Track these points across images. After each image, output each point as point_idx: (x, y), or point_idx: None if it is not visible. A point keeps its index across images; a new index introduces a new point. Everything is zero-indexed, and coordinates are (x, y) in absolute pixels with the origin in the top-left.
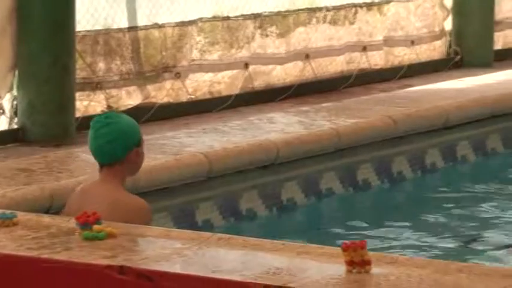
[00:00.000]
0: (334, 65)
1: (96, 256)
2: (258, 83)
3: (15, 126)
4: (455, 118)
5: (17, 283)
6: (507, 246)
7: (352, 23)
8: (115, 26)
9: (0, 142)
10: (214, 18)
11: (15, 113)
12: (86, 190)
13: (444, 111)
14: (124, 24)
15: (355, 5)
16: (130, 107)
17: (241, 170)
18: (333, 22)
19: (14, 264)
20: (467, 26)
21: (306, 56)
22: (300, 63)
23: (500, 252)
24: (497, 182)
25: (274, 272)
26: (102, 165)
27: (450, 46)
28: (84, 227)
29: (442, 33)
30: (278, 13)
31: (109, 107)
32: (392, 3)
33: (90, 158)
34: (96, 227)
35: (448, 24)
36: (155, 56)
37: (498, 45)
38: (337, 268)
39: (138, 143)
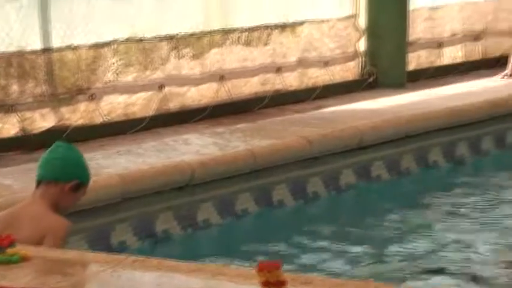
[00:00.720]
0: (249, 86)
1: (8, 280)
2: (173, 105)
3: None
4: (369, 138)
5: None
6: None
7: (266, 44)
8: (29, 48)
9: None
10: (129, 39)
11: None
12: (12, 212)
13: (358, 132)
14: (38, 46)
15: (268, 27)
16: (44, 129)
17: (157, 191)
18: (247, 43)
19: None
20: (380, 47)
21: (221, 77)
22: (214, 85)
23: (415, 270)
24: (411, 201)
25: None
26: (39, 182)
27: (364, 67)
28: None
29: (355, 54)
30: (192, 34)
31: (23, 129)
32: (305, 25)
33: (4, 181)
34: (10, 250)
35: (362, 45)
36: (69, 78)
37: (411, 66)
38: None
39: (83, 182)
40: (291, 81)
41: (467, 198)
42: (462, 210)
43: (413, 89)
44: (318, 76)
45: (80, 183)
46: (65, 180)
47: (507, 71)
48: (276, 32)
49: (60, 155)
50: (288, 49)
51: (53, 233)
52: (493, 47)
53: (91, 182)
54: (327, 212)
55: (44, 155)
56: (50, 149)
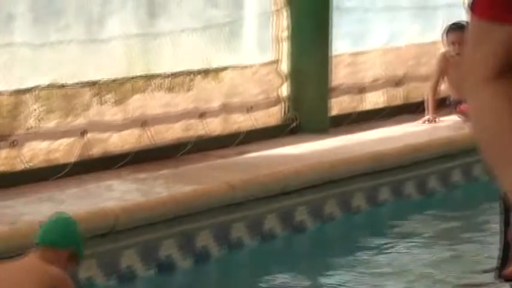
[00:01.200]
0: (172, 132)
1: None
2: (96, 151)
3: None
4: (292, 184)
5: None
6: None
7: (188, 90)
8: None
9: None
10: (51, 86)
11: None
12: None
13: (282, 177)
14: None
15: (191, 72)
16: None
17: None
18: (170, 89)
19: None
20: (303, 93)
21: (143, 122)
22: (137, 130)
23: None
24: (334, 246)
25: None
26: (38, 245)
27: (287, 112)
28: None
29: (278, 99)
30: (115, 80)
31: None
32: (228, 70)
33: None
34: None
35: (285, 91)
36: None
37: (334, 111)
38: None
39: (78, 255)
40: (214, 126)
41: (390, 242)
42: (384, 254)
43: (336, 134)
44: (241, 121)
45: (76, 253)
46: (65, 246)
47: (428, 116)
48: (198, 77)
49: (63, 223)
50: (211, 94)
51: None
52: (415, 92)
53: (11, 230)
54: (251, 258)
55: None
56: (53, 216)
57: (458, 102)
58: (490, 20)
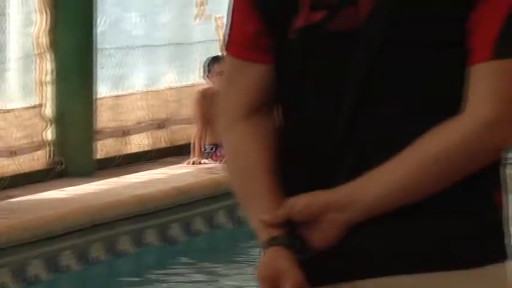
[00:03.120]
0: None
1: None
2: None
3: None
4: (57, 228)
5: None
6: None
7: None
8: None
9: None
10: None
11: None
12: None
13: (46, 222)
14: None
15: None
16: None
17: None
18: None
19: None
20: (68, 136)
21: None
22: None
23: None
24: None
25: None
26: None
27: (52, 156)
28: None
29: (43, 143)
30: None
31: None
32: None
33: None
34: None
35: (49, 135)
36: None
37: (99, 154)
38: None
39: None
40: None
41: (154, 285)
42: None
43: (102, 177)
44: (6, 166)
45: None
46: None
47: (194, 158)
48: None
49: None
50: None
51: None
52: (179, 134)
53: None
54: None
55: None
56: None
57: (215, 146)
58: (243, 59)
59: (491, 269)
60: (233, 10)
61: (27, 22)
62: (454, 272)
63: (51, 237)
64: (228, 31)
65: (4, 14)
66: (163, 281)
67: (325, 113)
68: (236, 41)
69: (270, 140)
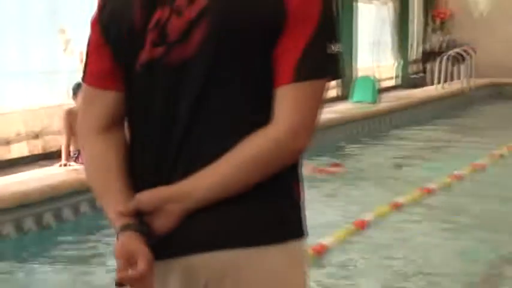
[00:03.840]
0: None
1: None
2: None
3: None
4: None
5: None
6: None
7: None
8: None
9: None
10: None
11: None
12: None
13: None
14: None
15: None
16: None
17: None
18: None
19: None
20: None
21: None
22: None
23: None
24: None
25: None
26: None
27: None
28: None
29: None
30: None
31: None
32: None
33: None
34: None
35: None
36: None
37: None
38: None
39: None
40: None
41: None
42: None
43: None
44: None
45: None
46: None
47: (64, 162)
48: None
49: None
50: None
51: None
52: (51, 143)
53: None
54: None
55: None
56: None
57: (78, 152)
58: (96, 87)
59: (291, 244)
60: (89, 46)
61: None
62: (262, 247)
63: None
64: (85, 64)
65: None
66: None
67: (163, 131)
68: (92, 72)
69: (119, 151)
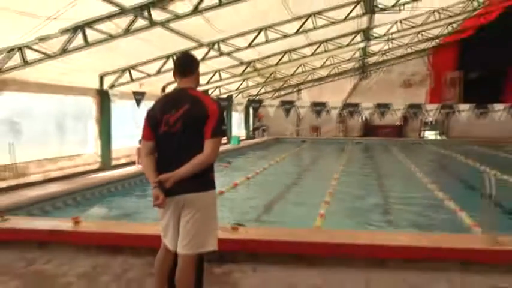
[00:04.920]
0: None
1: None
2: None
3: None
4: None
5: None
6: None
7: None
8: None
9: None
10: None
11: None
12: None
13: None
14: None
15: None
16: None
17: None
18: None
19: None
20: None
21: None
22: None
23: None
24: None
25: None
26: None
27: None
28: None
29: None
30: None
31: None
32: None
33: None
34: None
35: None
36: None
37: None
38: None
39: None
40: None
41: None
42: None
43: None
44: None
45: None
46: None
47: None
48: None
49: None
50: None
51: None
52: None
53: None
54: None
55: None
56: None
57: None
58: (146, 140)
59: (210, 192)
60: (144, 126)
61: None
62: (200, 193)
63: None
64: (142, 133)
65: None
66: None
67: (170, 156)
68: (144, 135)
69: (153, 162)
